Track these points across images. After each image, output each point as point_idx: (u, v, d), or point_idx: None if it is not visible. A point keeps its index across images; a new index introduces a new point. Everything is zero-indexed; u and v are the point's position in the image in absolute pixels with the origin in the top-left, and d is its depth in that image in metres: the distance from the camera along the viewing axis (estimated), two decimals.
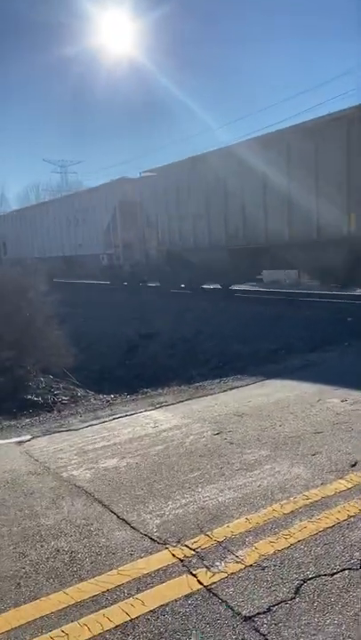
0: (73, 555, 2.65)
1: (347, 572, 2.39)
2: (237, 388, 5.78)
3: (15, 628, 2.13)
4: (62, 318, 8.36)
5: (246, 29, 73.84)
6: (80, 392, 6.81)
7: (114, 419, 4.95)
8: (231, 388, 5.75)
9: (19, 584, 2.43)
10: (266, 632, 2.04)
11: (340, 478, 3.32)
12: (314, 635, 2.02)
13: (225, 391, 5.67)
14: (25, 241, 26.47)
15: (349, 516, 2.86)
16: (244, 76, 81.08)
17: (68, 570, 2.52)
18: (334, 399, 5.01)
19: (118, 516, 3.01)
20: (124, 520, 2.97)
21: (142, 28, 51.76)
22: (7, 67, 76.14)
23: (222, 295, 16.07)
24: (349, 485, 3.22)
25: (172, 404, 5.31)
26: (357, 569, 2.41)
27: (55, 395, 6.59)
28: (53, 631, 2.10)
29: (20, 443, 4.47)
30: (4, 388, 6.56)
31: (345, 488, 3.19)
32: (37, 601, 2.30)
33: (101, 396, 6.41)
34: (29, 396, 6.42)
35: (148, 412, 5.05)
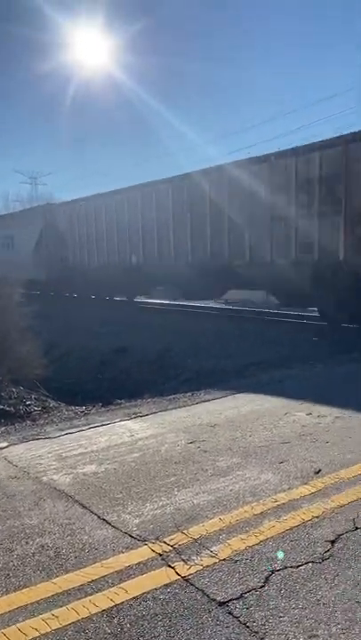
0: (58, 550, 2.82)
1: (310, 564, 2.64)
2: (209, 400, 6.02)
3: (8, 612, 2.30)
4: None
5: (228, 46, 75.63)
6: (52, 403, 6.93)
7: (90, 428, 5.11)
8: (204, 401, 5.99)
9: (8, 575, 2.59)
10: (238, 614, 2.27)
11: (306, 484, 3.59)
12: (281, 616, 2.25)
13: (198, 403, 5.90)
14: None
15: (313, 517, 3.12)
16: (228, 92, 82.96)
17: (54, 563, 2.69)
18: (301, 412, 5.30)
19: (99, 517, 3.19)
20: (104, 520, 3.15)
21: (118, 42, 52.52)
22: None
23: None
24: (313, 490, 3.49)
25: (147, 414, 5.50)
26: (320, 562, 2.66)
27: (27, 405, 6.70)
28: (44, 614, 2.28)
29: None
30: None
31: (309, 492, 3.46)
32: (27, 589, 2.46)
33: (73, 408, 6.55)
34: (1, 407, 6.51)
35: (123, 422, 5.23)
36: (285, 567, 2.62)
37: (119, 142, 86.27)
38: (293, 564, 2.64)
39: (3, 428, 5.48)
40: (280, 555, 2.72)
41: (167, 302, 19.71)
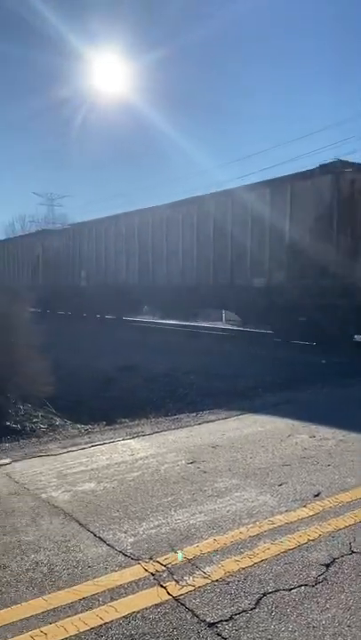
0: (51, 567, 2.83)
1: (303, 587, 2.62)
2: (213, 421, 6.02)
3: None
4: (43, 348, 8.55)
5: (244, 72, 76.85)
6: (58, 421, 6.96)
7: (92, 446, 5.13)
8: (207, 422, 5.99)
9: (0, 591, 2.60)
10: (227, 636, 2.26)
11: (304, 506, 3.57)
12: (269, 639, 2.24)
13: (200, 424, 5.90)
14: None
15: (309, 540, 3.10)
16: (240, 117, 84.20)
17: (46, 580, 2.70)
18: (304, 435, 5.28)
19: (95, 535, 3.20)
20: (100, 538, 3.16)
21: (136, 69, 53.83)
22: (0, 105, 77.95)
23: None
24: (311, 513, 3.47)
25: (149, 434, 5.52)
26: (313, 585, 2.64)
27: (34, 423, 6.73)
28: (33, 631, 2.29)
29: (0, 465, 4.62)
30: None
31: (307, 515, 3.44)
32: (18, 605, 2.47)
33: (79, 426, 6.57)
34: (8, 423, 6.56)
35: (125, 441, 5.25)
36: (278, 590, 2.60)
37: (133, 166, 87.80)
38: (286, 587, 2.62)
39: (7, 445, 5.52)
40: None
41: (166, 322, 19.92)
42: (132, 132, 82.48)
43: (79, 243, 22.12)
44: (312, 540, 3.10)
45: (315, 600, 2.52)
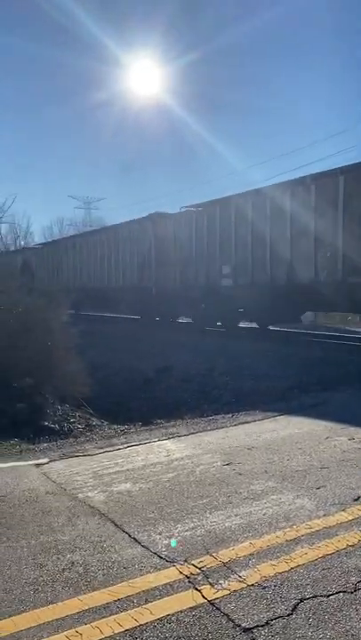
0: (87, 567, 2.85)
1: (342, 594, 2.55)
2: (249, 422, 5.96)
3: (34, 627, 2.33)
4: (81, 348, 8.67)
5: (275, 71, 76.07)
6: (95, 421, 7.03)
7: (128, 446, 5.15)
8: (243, 423, 5.94)
9: (37, 590, 2.63)
10: None
11: (343, 511, 3.48)
12: None
13: (236, 425, 5.85)
14: None
15: (348, 545, 3.01)
16: (272, 117, 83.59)
17: (82, 580, 2.72)
18: (342, 437, 5.16)
19: (130, 535, 3.21)
20: (135, 539, 3.16)
21: (169, 73, 54.31)
22: (38, 109, 79.95)
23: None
24: (351, 518, 3.38)
25: (185, 435, 5.50)
26: (352, 592, 2.57)
27: (71, 423, 6.82)
28: (68, 631, 2.30)
29: (38, 465, 4.69)
30: (24, 413, 6.83)
31: (346, 520, 3.35)
32: (54, 605, 2.50)
33: (115, 426, 6.62)
34: (46, 423, 6.66)
35: (161, 442, 5.25)
36: (315, 596, 2.54)
37: (166, 169, 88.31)
38: (324, 593, 2.56)
39: (45, 445, 5.61)
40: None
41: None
42: (164, 135, 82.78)
43: (218, 227, 15.94)
44: (351, 546, 3.01)
45: (354, 607, 2.44)
